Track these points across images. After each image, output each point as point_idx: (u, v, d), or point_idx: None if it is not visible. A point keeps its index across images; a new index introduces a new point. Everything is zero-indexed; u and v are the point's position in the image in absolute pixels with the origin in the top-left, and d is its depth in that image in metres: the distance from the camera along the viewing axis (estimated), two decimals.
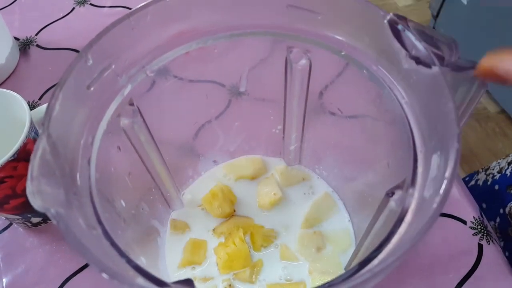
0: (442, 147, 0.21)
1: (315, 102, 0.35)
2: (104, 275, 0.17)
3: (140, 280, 0.19)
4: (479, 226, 0.40)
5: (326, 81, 0.33)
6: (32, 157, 0.21)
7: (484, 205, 0.45)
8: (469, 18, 1.12)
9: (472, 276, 0.37)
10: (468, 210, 0.41)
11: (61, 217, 0.19)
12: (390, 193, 0.24)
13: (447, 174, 0.19)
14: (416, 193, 0.22)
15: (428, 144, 0.23)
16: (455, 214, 0.41)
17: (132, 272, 0.19)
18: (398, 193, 0.23)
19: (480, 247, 0.39)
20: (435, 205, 0.19)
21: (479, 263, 0.38)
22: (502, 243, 0.45)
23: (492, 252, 0.39)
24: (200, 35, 0.30)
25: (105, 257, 0.19)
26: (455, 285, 0.37)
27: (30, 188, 0.19)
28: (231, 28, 0.30)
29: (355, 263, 0.32)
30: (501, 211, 0.48)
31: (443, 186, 0.19)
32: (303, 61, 0.30)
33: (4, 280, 0.40)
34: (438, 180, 0.20)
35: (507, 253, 0.43)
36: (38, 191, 0.19)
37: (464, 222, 0.41)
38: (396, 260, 0.18)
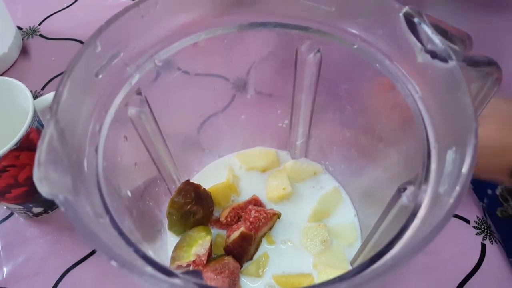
0: (458, 142, 0.21)
1: (324, 97, 0.34)
2: (113, 263, 0.17)
3: (149, 269, 0.18)
4: (482, 226, 0.40)
5: (337, 76, 0.32)
6: (39, 143, 0.20)
7: (471, 186, 0.45)
8: None
9: (474, 276, 0.37)
10: (472, 209, 0.41)
11: (70, 204, 0.18)
12: (402, 189, 0.23)
13: (465, 169, 0.18)
14: (429, 188, 0.22)
15: (442, 139, 0.23)
16: (459, 213, 0.41)
17: (140, 262, 0.19)
18: (410, 189, 0.23)
19: (483, 246, 0.39)
20: (451, 200, 0.18)
21: (482, 262, 0.38)
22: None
23: (495, 252, 0.39)
24: (209, 25, 0.29)
25: (112, 246, 0.19)
26: (457, 284, 0.37)
27: (37, 174, 0.19)
28: (241, 19, 0.30)
29: (361, 258, 0.32)
30: (490, 191, 0.48)
31: (461, 181, 0.18)
32: (314, 55, 0.30)
33: (5, 269, 0.39)
34: (453, 175, 0.20)
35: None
36: (45, 178, 0.19)
37: (468, 221, 0.41)
38: (413, 254, 0.17)
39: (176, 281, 0.18)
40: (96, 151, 0.24)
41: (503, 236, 0.42)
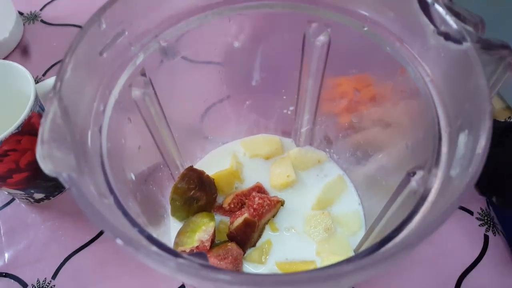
0: (471, 125, 0.20)
1: (332, 82, 0.34)
2: (119, 241, 0.16)
3: (154, 248, 0.18)
4: (485, 217, 0.40)
5: (345, 59, 0.32)
6: (42, 120, 0.20)
7: None
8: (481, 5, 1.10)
9: (476, 267, 0.37)
10: (475, 201, 0.41)
11: (74, 181, 0.18)
12: (411, 173, 0.23)
13: (479, 150, 0.18)
14: (439, 173, 0.21)
15: (454, 122, 0.22)
16: (462, 205, 0.41)
17: (145, 242, 0.19)
18: (419, 173, 0.22)
19: (486, 238, 0.39)
20: (465, 182, 0.18)
21: (484, 254, 0.38)
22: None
23: (498, 244, 0.39)
24: (215, 5, 0.29)
25: (117, 226, 0.19)
26: (459, 274, 0.37)
27: (41, 152, 0.19)
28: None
29: (366, 246, 0.32)
30: None
31: (474, 163, 0.18)
32: (322, 37, 0.29)
33: (6, 255, 0.39)
34: (466, 158, 0.19)
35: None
36: (49, 155, 0.19)
37: (471, 213, 0.40)
38: (423, 237, 0.17)
39: (181, 260, 0.17)
40: (100, 131, 0.23)
41: (503, 225, 0.41)
